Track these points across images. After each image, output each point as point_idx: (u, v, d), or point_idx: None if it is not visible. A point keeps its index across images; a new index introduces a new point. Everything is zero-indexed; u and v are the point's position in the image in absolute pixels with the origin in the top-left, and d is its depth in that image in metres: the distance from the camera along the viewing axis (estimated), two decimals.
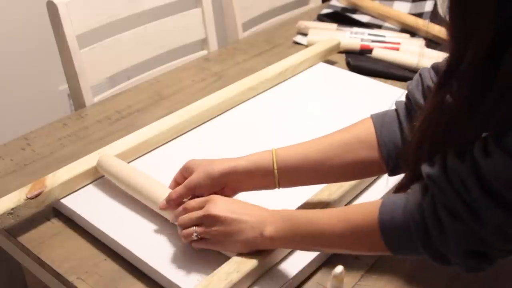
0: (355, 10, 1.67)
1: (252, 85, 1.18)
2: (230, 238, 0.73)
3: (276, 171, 0.78)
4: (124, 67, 1.35)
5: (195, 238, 0.74)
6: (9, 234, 0.85)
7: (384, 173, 0.77)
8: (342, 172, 0.78)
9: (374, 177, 0.90)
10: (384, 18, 1.59)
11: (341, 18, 1.61)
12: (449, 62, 0.58)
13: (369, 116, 0.79)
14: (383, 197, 0.68)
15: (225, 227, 0.73)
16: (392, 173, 0.77)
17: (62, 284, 0.79)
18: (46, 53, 1.71)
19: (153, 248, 0.79)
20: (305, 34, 1.50)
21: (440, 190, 0.58)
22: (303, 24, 1.52)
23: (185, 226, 0.75)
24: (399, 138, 0.75)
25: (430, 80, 0.73)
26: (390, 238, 0.64)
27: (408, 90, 0.76)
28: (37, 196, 0.84)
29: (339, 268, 0.64)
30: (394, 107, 0.78)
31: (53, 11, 1.18)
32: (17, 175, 0.98)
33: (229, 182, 0.79)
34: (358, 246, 0.69)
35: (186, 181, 0.79)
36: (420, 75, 0.75)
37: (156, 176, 0.90)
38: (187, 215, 0.76)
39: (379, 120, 0.77)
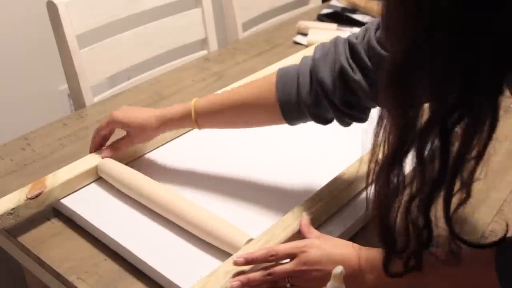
0: (355, 10, 1.67)
1: None
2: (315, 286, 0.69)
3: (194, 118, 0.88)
4: (124, 67, 1.35)
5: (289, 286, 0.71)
6: (9, 234, 0.85)
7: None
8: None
9: None
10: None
11: (341, 18, 1.61)
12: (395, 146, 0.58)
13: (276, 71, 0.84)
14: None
15: (309, 279, 0.69)
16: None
17: (62, 284, 0.79)
18: (46, 53, 1.70)
19: (153, 248, 0.79)
20: (305, 34, 1.50)
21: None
22: (303, 24, 1.52)
23: (275, 278, 0.71)
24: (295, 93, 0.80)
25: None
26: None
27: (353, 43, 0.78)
28: (37, 196, 0.84)
29: (339, 268, 0.64)
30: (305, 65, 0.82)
31: (53, 11, 1.18)
32: (17, 175, 0.98)
33: None
34: None
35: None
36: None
37: (156, 176, 0.90)
38: (279, 267, 0.70)
39: (282, 78, 0.82)
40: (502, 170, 0.96)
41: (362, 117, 0.80)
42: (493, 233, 0.83)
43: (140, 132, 0.92)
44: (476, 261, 0.64)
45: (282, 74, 0.82)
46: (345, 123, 0.81)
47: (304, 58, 0.82)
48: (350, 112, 0.78)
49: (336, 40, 0.81)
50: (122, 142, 0.94)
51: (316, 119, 0.81)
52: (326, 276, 0.66)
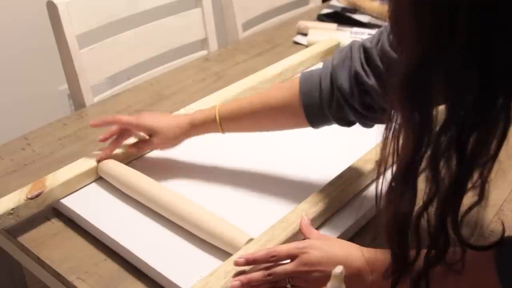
0: (355, 10, 1.67)
1: (252, 85, 1.18)
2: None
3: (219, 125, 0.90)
4: (124, 67, 1.35)
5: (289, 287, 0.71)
6: (9, 234, 0.85)
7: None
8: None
9: None
10: (384, 18, 1.59)
11: (341, 18, 1.61)
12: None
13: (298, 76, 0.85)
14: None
15: (310, 280, 0.69)
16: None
17: (62, 284, 0.79)
18: (46, 53, 1.70)
19: (153, 248, 0.79)
20: (305, 34, 1.50)
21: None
22: (303, 24, 1.52)
23: (276, 278, 0.70)
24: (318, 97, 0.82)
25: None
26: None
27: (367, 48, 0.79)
28: (37, 196, 0.84)
29: (339, 268, 0.64)
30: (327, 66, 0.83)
31: (53, 11, 1.18)
32: (17, 175, 0.98)
33: None
34: None
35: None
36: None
37: (156, 176, 0.90)
38: (279, 268, 0.70)
39: (305, 82, 0.83)
40: (502, 170, 0.96)
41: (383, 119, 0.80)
42: (493, 233, 0.83)
43: (167, 138, 0.92)
44: (477, 263, 0.63)
45: (305, 79, 0.84)
46: (367, 125, 0.82)
47: (326, 61, 0.84)
48: (371, 114, 0.79)
49: (352, 45, 0.82)
50: (143, 145, 0.95)
51: (339, 122, 0.83)
52: (326, 277, 0.65)
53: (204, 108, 0.94)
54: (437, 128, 0.54)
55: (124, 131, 0.95)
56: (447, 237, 0.58)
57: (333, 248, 0.71)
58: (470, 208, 0.58)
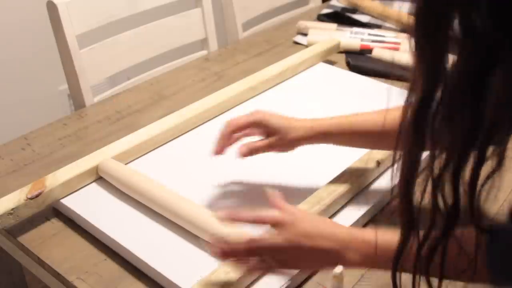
0: (355, 10, 1.67)
1: (252, 85, 1.18)
2: (303, 263, 0.68)
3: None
4: (124, 67, 1.35)
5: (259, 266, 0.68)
6: (9, 234, 0.85)
7: None
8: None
9: None
10: (384, 18, 1.59)
11: (341, 18, 1.61)
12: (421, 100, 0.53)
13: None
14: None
15: (298, 255, 0.67)
16: None
17: (62, 284, 0.79)
18: (46, 53, 1.70)
19: (153, 248, 0.79)
20: (305, 34, 1.50)
21: None
22: (303, 24, 1.52)
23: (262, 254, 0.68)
24: None
25: None
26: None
27: None
28: (37, 196, 0.84)
29: (339, 268, 0.64)
30: None
31: (53, 11, 1.18)
32: (17, 175, 0.98)
33: None
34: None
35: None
36: None
37: (156, 176, 0.90)
38: (266, 241, 0.68)
39: None
40: (504, 168, 0.95)
41: None
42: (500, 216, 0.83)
43: (289, 139, 0.86)
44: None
45: None
46: None
47: None
48: None
49: None
50: (261, 145, 0.87)
51: None
52: (316, 253, 0.64)
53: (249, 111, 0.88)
54: (452, 67, 0.50)
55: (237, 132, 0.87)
56: (458, 206, 0.54)
57: (318, 221, 0.69)
58: (488, 177, 0.53)
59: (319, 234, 0.67)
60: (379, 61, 1.35)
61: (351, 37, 1.43)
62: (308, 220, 0.68)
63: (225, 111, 1.13)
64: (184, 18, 1.45)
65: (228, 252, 0.68)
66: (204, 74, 1.33)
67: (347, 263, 0.67)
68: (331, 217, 0.84)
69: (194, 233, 0.80)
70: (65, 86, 1.32)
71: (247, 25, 1.64)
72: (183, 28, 1.45)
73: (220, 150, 0.87)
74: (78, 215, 0.85)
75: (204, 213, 0.80)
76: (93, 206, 0.87)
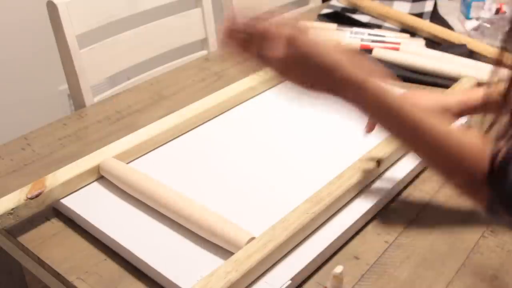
0: (355, 10, 1.67)
1: (252, 85, 1.18)
2: (299, 74, 0.62)
3: None
4: (124, 67, 1.35)
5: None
6: (9, 234, 0.85)
7: None
8: None
9: None
10: (384, 18, 1.59)
11: (341, 18, 1.61)
12: None
13: None
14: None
15: (304, 66, 0.61)
16: None
17: (62, 284, 0.79)
18: (46, 53, 1.71)
19: (153, 248, 0.79)
20: None
21: None
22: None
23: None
24: None
25: None
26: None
27: None
28: (37, 196, 0.84)
29: (339, 268, 0.64)
30: None
31: (53, 11, 1.18)
32: (17, 175, 0.98)
33: None
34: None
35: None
36: None
37: (157, 175, 0.90)
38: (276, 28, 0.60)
39: None
40: None
41: None
42: (493, 233, 0.83)
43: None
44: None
45: None
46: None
47: None
48: None
49: None
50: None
51: None
52: (320, 70, 0.59)
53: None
54: None
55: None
56: None
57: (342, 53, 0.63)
58: None
59: (326, 48, 0.61)
60: (379, 61, 1.35)
61: (351, 37, 1.43)
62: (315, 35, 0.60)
63: (225, 111, 1.13)
64: (184, 18, 1.45)
65: (234, 30, 0.63)
66: (204, 74, 1.33)
67: (347, 97, 0.62)
68: (331, 217, 0.84)
69: (195, 232, 0.80)
70: (65, 86, 1.32)
71: None
72: (183, 28, 1.45)
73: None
74: (78, 215, 0.85)
75: (205, 211, 0.80)
76: (93, 206, 0.87)
